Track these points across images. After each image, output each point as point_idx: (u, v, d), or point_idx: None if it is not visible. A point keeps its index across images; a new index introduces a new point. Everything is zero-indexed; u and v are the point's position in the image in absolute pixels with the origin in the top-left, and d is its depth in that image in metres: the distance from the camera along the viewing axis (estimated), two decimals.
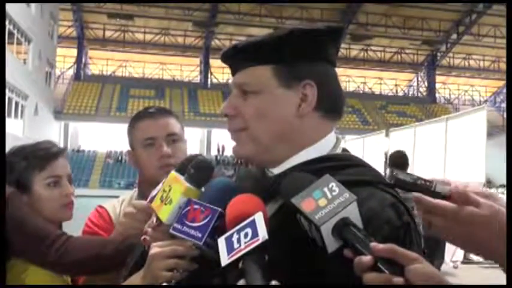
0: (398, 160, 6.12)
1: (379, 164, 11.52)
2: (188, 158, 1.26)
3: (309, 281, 0.94)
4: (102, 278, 1.63)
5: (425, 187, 0.92)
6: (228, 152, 37.33)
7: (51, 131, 33.73)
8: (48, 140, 1.86)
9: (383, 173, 1.05)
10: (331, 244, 0.87)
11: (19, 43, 26.93)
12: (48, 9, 31.88)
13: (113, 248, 1.56)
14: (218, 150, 38.93)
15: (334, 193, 0.88)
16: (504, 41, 24.18)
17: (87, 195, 16.01)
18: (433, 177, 0.95)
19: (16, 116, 26.79)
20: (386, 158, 11.68)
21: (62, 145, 2.15)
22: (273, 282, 0.83)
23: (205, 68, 44.58)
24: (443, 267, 7.86)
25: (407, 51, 46.49)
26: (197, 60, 45.62)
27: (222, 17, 40.64)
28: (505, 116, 38.33)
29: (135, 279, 1.14)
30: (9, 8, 22.21)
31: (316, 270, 0.93)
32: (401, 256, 0.81)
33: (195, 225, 1.00)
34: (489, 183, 8.90)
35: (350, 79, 46.49)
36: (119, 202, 1.89)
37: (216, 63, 41.20)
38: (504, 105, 42.45)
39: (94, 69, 45.91)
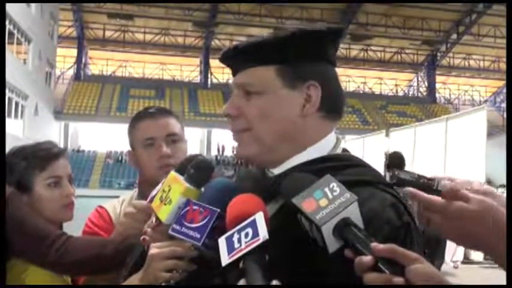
0: (395, 161, 6.35)
1: (379, 164, 11.51)
2: (188, 158, 1.25)
3: (310, 281, 0.94)
4: (102, 278, 1.63)
5: (427, 185, 0.92)
6: (228, 152, 37.34)
7: (51, 131, 33.70)
8: (48, 141, 1.86)
9: (383, 174, 1.05)
10: (332, 244, 0.87)
11: (19, 43, 26.92)
12: (48, 9, 31.87)
13: (113, 248, 1.56)
14: (218, 150, 38.91)
15: (335, 193, 0.88)
16: (504, 41, 24.14)
17: (87, 195, 15.95)
18: (436, 175, 0.95)
19: (16, 116, 26.77)
20: (386, 158, 11.68)
21: (62, 145, 2.15)
22: (274, 282, 0.83)
23: (205, 68, 44.55)
24: (444, 267, 7.87)
25: (407, 51, 46.46)
26: (197, 60, 45.59)
27: (222, 17, 40.62)
28: (505, 116, 38.27)
29: (135, 279, 1.14)
30: (9, 8, 22.20)
31: (316, 270, 0.93)
32: (402, 256, 0.82)
33: (194, 226, 1.00)
34: (489, 183, 8.88)
35: (350, 79, 46.45)
36: (119, 202, 1.89)
37: (216, 63, 41.06)
38: (504, 105, 42.41)
39: (94, 69, 45.87)
